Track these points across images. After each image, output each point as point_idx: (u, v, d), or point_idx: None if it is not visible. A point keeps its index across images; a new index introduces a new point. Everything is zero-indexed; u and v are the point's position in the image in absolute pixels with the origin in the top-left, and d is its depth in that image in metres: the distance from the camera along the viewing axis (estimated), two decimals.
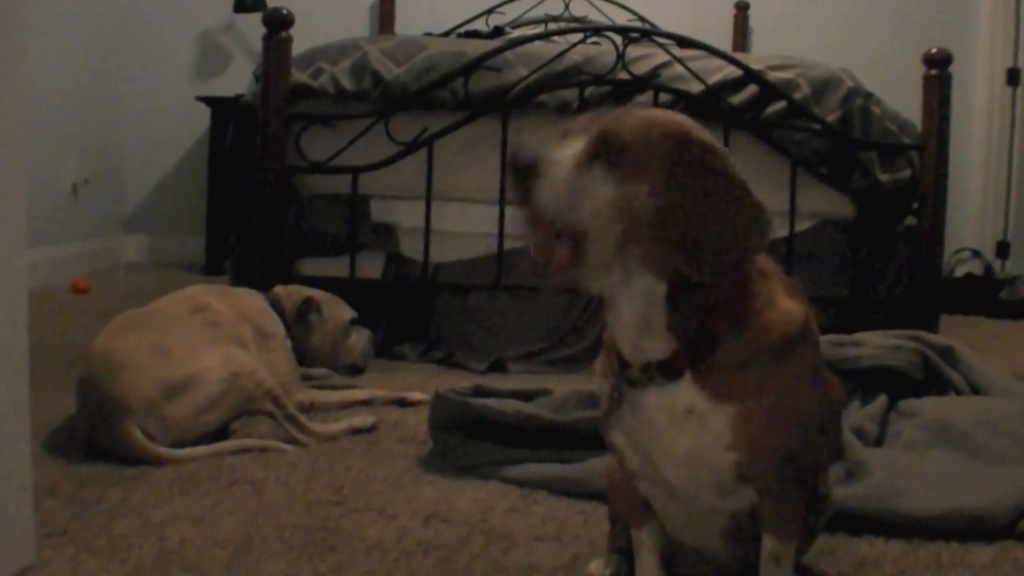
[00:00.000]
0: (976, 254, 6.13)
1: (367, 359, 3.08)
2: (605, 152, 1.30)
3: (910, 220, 3.97)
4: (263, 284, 3.09)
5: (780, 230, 3.79)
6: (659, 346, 1.36)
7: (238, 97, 5.28)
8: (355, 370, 3.07)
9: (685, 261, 1.29)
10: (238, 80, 6.42)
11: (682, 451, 1.37)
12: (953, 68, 3.88)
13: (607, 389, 1.45)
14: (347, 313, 3.02)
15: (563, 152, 1.32)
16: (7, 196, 1.50)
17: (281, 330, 2.84)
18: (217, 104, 5.91)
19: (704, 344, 1.35)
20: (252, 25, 6.21)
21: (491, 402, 2.41)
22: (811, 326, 1.43)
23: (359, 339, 3.05)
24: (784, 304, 1.40)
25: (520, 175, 1.31)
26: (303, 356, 2.93)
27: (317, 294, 2.99)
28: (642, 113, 1.36)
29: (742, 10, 6.60)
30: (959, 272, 6.01)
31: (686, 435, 1.36)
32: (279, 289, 2.99)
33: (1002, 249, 6.35)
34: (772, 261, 1.45)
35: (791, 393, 1.38)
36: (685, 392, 1.36)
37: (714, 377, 1.35)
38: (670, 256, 1.30)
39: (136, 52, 6.49)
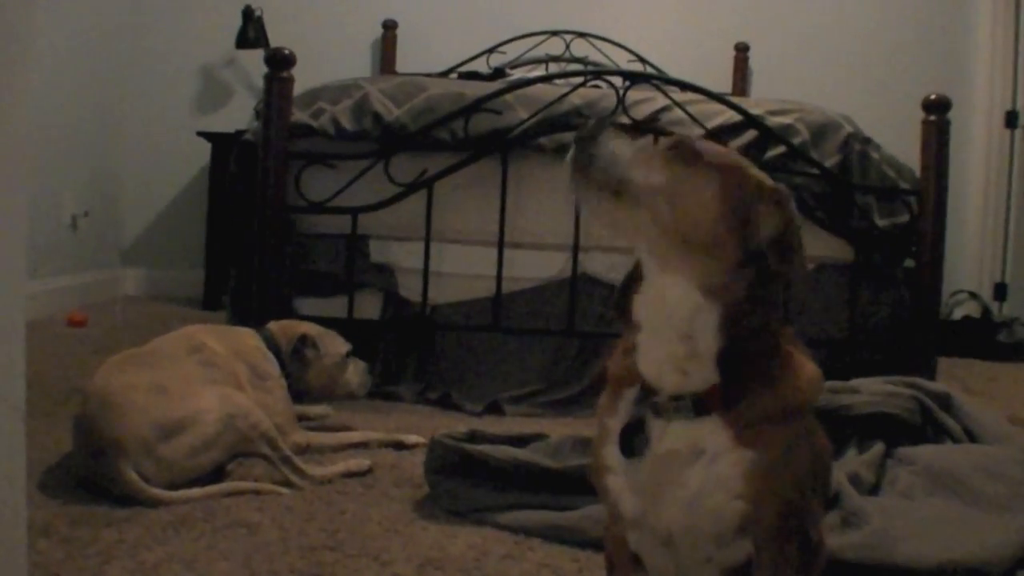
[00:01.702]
0: (974, 296, 6.14)
1: (364, 389, 3.07)
2: (679, 149, 1.37)
3: (908, 262, 3.98)
4: (260, 322, 3.08)
5: None
6: (699, 377, 1.36)
7: (239, 133, 5.31)
8: (353, 398, 3.07)
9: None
10: (239, 114, 6.46)
11: (691, 492, 1.36)
12: (951, 111, 3.89)
13: (611, 425, 1.43)
14: (343, 346, 3.01)
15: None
16: (8, 228, 1.50)
17: (276, 369, 2.82)
18: (217, 139, 5.93)
19: (737, 388, 1.35)
20: (253, 60, 6.26)
21: (487, 448, 2.40)
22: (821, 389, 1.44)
23: (356, 370, 3.03)
24: (808, 366, 1.42)
25: (588, 136, 1.37)
26: (300, 391, 2.92)
27: (312, 329, 2.97)
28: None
29: (742, 51, 6.64)
30: (957, 314, 6.01)
31: (697, 476, 1.35)
32: (273, 325, 2.98)
33: (1000, 291, 6.36)
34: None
35: (799, 448, 1.39)
36: (708, 431, 1.35)
37: (737, 423, 1.35)
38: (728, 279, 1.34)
39: (137, 85, 6.52)
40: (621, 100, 3.64)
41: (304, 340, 2.91)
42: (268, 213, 3.55)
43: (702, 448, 1.35)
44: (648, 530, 1.44)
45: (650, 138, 1.39)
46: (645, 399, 1.39)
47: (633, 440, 1.39)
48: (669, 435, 1.37)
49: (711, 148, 1.41)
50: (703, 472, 1.35)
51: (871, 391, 2.73)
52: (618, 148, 1.36)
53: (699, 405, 1.35)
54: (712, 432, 1.35)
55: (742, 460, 1.34)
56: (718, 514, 1.36)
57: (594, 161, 1.35)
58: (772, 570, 1.41)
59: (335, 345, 3.00)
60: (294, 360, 2.89)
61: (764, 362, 1.37)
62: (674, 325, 1.35)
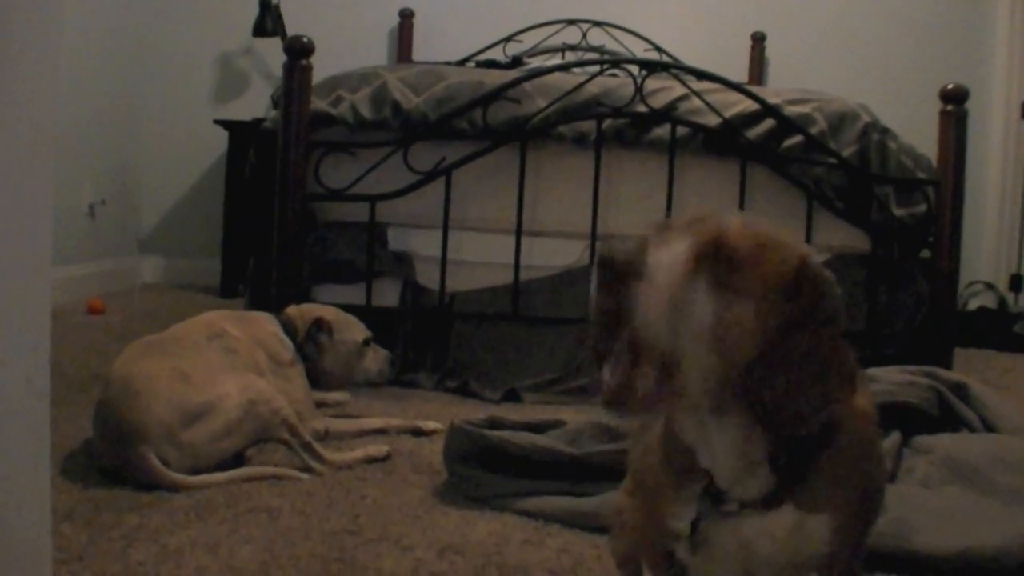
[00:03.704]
0: (990, 287, 6.12)
1: (383, 377, 3.03)
2: (714, 264, 1.13)
3: (925, 252, 3.98)
4: (279, 309, 3.08)
5: None
6: (760, 484, 1.26)
7: (256, 121, 5.32)
8: (373, 385, 3.04)
9: (761, 411, 1.15)
10: (256, 103, 6.47)
11: (781, 563, 1.31)
12: (968, 102, 3.89)
13: (675, 512, 1.34)
14: (360, 333, 2.98)
15: (666, 254, 1.14)
16: (33, 217, 1.51)
17: (295, 355, 2.83)
18: (235, 127, 5.94)
19: (801, 467, 1.25)
20: (270, 48, 6.27)
21: (506, 434, 2.41)
22: (873, 414, 1.37)
23: (375, 358, 3.00)
24: (860, 403, 1.30)
25: (614, 276, 1.14)
26: (316, 376, 2.91)
27: (329, 314, 2.95)
28: (756, 227, 1.18)
29: (759, 41, 6.62)
30: (972, 305, 6.00)
31: (787, 550, 1.29)
32: (292, 310, 2.96)
33: (1015, 282, 6.34)
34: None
35: (871, 480, 1.34)
36: (785, 516, 1.27)
37: (811, 494, 1.27)
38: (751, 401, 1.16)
39: (155, 74, 6.53)
40: (639, 88, 3.64)
41: (319, 324, 2.90)
42: (288, 201, 3.56)
43: (786, 530, 1.28)
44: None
45: (684, 256, 1.14)
46: (712, 502, 1.29)
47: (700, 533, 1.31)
48: (744, 529, 1.29)
49: (748, 237, 1.17)
50: (791, 546, 1.29)
51: (889, 380, 2.73)
52: (660, 287, 1.13)
53: (768, 504, 1.27)
54: (789, 516, 1.27)
55: (823, 523, 1.28)
56: (804, 565, 1.32)
57: (637, 314, 1.13)
58: None
59: (352, 331, 2.97)
60: (308, 345, 2.88)
61: (821, 430, 1.22)
62: (725, 442, 1.23)
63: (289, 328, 2.88)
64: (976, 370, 4.43)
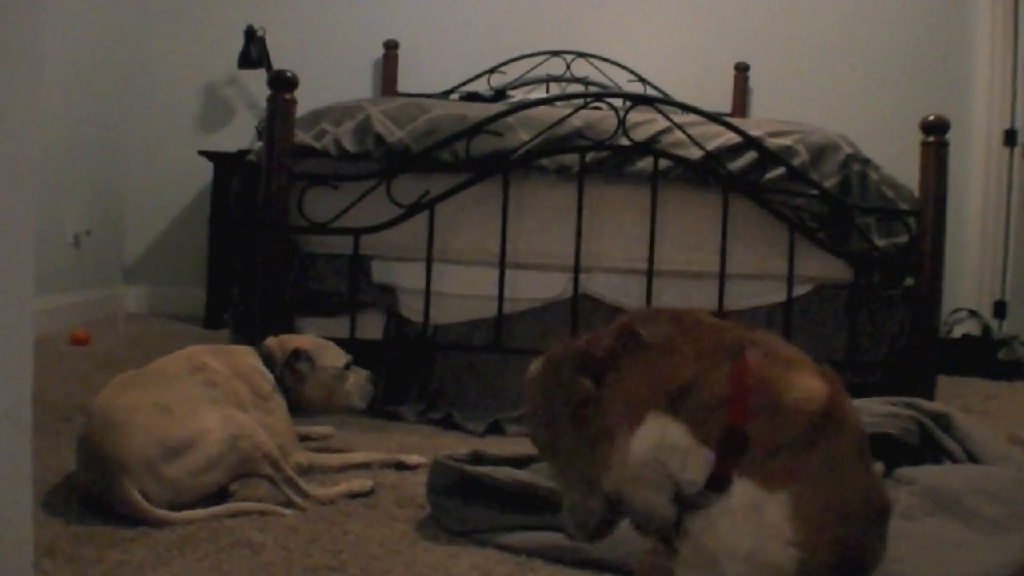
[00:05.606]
0: (973, 314, 6.14)
1: (365, 401, 3.00)
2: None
3: (908, 280, 3.99)
4: (260, 340, 3.07)
5: (778, 294, 3.83)
6: (703, 465, 1.38)
7: (241, 152, 5.33)
8: (355, 410, 3.01)
9: None
10: (242, 132, 6.48)
11: (746, 550, 1.35)
12: (951, 130, 3.92)
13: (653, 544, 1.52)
14: (340, 359, 2.96)
15: None
16: (15, 246, 1.51)
17: (275, 387, 2.81)
18: (219, 159, 5.95)
19: (735, 441, 1.35)
20: (255, 79, 6.29)
21: (488, 469, 2.41)
22: (840, 407, 1.43)
23: (356, 381, 2.98)
24: (803, 383, 1.41)
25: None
26: (299, 405, 2.89)
27: (307, 342, 2.94)
28: None
29: (742, 71, 6.66)
30: (956, 332, 6.02)
31: (748, 533, 1.35)
32: (271, 341, 2.95)
33: (999, 309, 6.37)
34: (787, 345, 1.47)
35: (836, 478, 1.37)
36: (739, 492, 1.36)
37: (757, 468, 1.35)
38: None
39: (139, 104, 6.55)
40: (622, 122, 3.66)
41: (297, 354, 2.88)
42: (271, 234, 3.57)
43: (744, 507, 1.35)
44: None
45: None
46: (678, 504, 1.41)
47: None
48: (711, 516, 1.38)
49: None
50: (751, 528, 1.35)
51: (871, 411, 2.73)
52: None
53: (717, 485, 1.36)
54: (742, 491, 1.35)
55: (779, 502, 1.34)
56: (776, 566, 1.35)
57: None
58: None
59: (332, 358, 2.95)
60: (288, 375, 2.86)
61: (747, 403, 1.37)
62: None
63: (269, 360, 2.86)
64: (960, 397, 4.44)
